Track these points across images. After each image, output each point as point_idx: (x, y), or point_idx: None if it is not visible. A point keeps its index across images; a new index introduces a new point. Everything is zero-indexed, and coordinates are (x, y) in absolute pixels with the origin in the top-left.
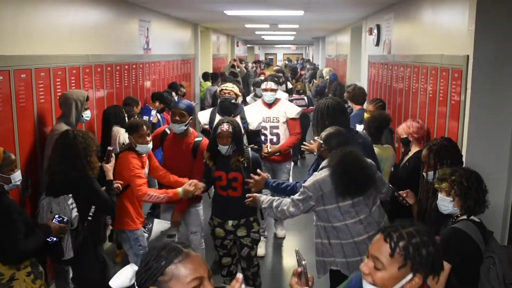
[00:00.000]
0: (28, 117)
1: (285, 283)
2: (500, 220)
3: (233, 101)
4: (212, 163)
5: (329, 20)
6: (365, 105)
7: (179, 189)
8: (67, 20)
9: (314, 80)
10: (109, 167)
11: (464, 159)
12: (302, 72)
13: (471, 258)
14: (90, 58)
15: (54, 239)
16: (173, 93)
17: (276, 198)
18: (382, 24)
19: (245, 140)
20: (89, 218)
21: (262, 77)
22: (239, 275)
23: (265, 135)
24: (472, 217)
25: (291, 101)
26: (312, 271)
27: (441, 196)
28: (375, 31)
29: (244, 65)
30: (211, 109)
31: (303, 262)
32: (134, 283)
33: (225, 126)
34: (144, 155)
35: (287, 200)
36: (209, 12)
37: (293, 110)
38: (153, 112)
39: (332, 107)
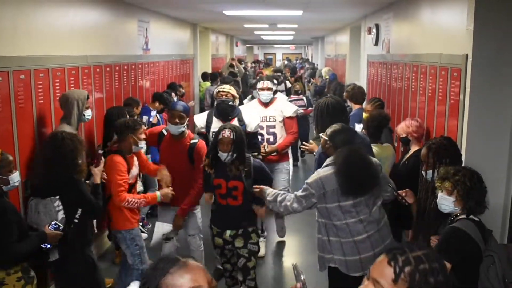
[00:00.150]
0: (27, 118)
1: (285, 284)
2: (499, 219)
3: (230, 103)
4: (212, 170)
5: (328, 20)
6: (364, 105)
7: (157, 193)
8: (66, 21)
9: (312, 79)
10: (97, 171)
11: (463, 158)
12: (301, 71)
13: (471, 257)
14: (89, 59)
15: (48, 246)
16: (172, 94)
17: (282, 192)
18: (381, 23)
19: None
20: (75, 220)
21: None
22: None
23: (262, 135)
24: (471, 216)
25: (289, 102)
26: (313, 270)
27: (442, 195)
28: (374, 30)
29: (243, 65)
30: (207, 112)
31: (302, 277)
32: None
33: (226, 133)
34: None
35: (291, 195)
36: (208, 12)
37: (290, 109)
38: (153, 113)
39: (332, 106)
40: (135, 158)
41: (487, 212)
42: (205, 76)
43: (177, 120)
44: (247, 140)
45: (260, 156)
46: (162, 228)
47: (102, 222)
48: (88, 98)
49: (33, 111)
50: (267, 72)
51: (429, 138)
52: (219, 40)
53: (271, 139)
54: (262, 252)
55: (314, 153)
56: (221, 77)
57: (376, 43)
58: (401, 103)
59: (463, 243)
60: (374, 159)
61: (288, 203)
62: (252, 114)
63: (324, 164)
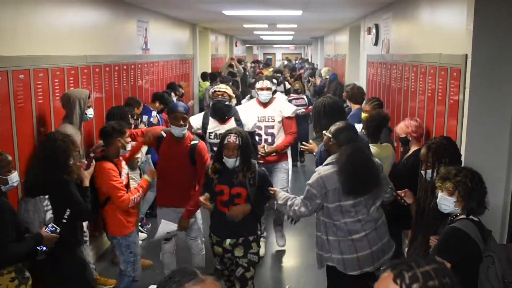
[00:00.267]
0: (26, 117)
1: (284, 284)
2: (499, 219)
3: (226, 102)
4: (216, 176)
5: (327, 20)
6: (362, 105)
7: (145, 176)
8: (66, 20)
9: (311, 78)
10: (87, 174)
11: (462, 158)
12: (301, 71)
13: (471, 257)
14: (89, 59)
15: (44, 248)
16: (172, 94)
17: (292, 196)
18: (380, 23)
19: None
20: (64, 221)
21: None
22: None
23: (260, 135)
24: (471, 216)
25: (289, 101)
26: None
27: (442, 195)
28: (374, 30)
29: (243, 65)
30: (203, 113)
31: None
32: None
33: (232, 138)
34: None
35: (299, 199)
36: (208, 12)
37: (289, 109)
38: (154, 113)
39: (329, 106)
40: (122, 162)
41: (486, 212)
42: (204, 76)
43: (181, 122)
44: None
45: (258, 156)
46: (167, 226)
47: (100, 225)
48: (89, 97)
49: (33, 111)
50: (266, 73)
51: (429, 138)
52: (218, 40)
53: (269, 140)
54: (261, 251)
55: (314, 153)
56: (220, 77)
57: (376, 43)
58: (401, 103)
59: (463, 243)
60: (376, 159)
61: (296, 208)
62: (249, 113)
63: (325, 162)
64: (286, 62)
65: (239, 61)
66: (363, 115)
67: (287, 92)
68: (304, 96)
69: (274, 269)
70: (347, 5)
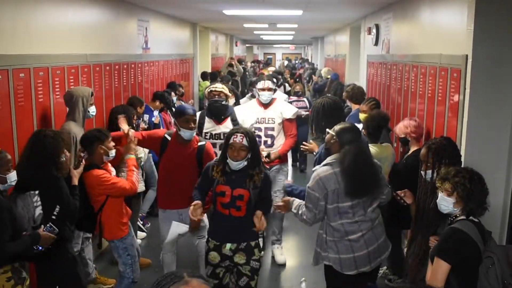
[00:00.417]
0: (26, 116)
1: (285, 283)
2: (499, 220)
3: (223, 102)
4: (223, 178)
5: (328, 20)
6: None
7: (128, 156)
8: (66, 19)
9: (313, 76)
10: (76, 173)
11: (462, 158)
12: (301, 71)
13: (470, 258)
14: (89, 58)
15: (40, 248)
16: (172, 93)
17: (302, 204)
18: (381, 23)
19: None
20: (53, 217)
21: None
22: None
23: (259, 137)
24: (471, 217)
25: (290, 103)
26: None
27: (442, 196)
28: (374, 30)
29: (243, 65)
30: (199, 112)
31: None
32: None
33: (238, 137)
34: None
35: (304, 207)
36: (208, 12)
37: (290, 111)
38: (156, 113)
39: (328, 105)
40: (109, 165)
41: (486, 213)
42: (204, 76)
43: (192, 125)
44: None
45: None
46: (178, 228)
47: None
48: (92, 94)
49: (33, 110)
50: (266, 72)
51: (429, 138)
52: (218, 39)
53: (269, 142)
54: (281, 260)
55: (314, 153)
56: (220, 77)
57: (376, 43)
58: (401, 104)
59: (463, 244)
60: (376, 161)
61: (304, 216)
62: (246, 113)
63: (324, 162)
64: (286, 62)
65: (240, 61)
66: (361, 115)
67: (287, 94)
68: (305, 99)
69: (273, 269)
70: (347, 5)
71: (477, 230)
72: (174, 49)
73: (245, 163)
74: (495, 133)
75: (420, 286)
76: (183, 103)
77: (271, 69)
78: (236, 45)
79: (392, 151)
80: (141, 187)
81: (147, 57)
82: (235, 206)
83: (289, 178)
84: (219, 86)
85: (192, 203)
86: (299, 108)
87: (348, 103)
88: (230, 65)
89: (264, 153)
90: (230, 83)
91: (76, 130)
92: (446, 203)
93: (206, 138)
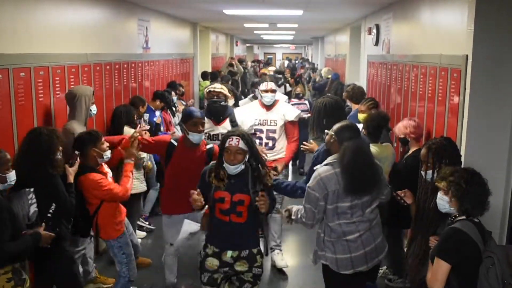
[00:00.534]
0: (27, 115)
1: (285, 283)
2: (499, 220)
3: (222, 103)
4: (222, 183)
5: (328, 20)
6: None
7: (127, 161)
8: (66, 19)
9: (312, 74)
10: (71, 171)
11: (462, 158)
12: (301, 71)
13: (470, 258)
14: (89, 57)
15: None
16: (172, 93)
17: (301, 207)
18: (381, 23)
19: None
20: (49, 215)
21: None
22: None
23: (261, 139)
24: (471, 217)
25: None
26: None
27: (439, 194)
28: (374, 30)
29: (243, 65)
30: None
31: None
32: None
33: (234, 140)
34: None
35: (302, 208)
36: (208, 11)
37: (293, 113)
38: (158, 113)
39: (329, 105)
40: (104, 166)
41: (486, 213)
42: (205, 75)
43: (200, 128)
44: None
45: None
46: (190, 227)
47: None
48: (93, 93)
49: (33, 109)
50: (267, 72)
51: (429, 138)
52: (219, 39)
53: (270, 144)
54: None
55: (314, 153)
56: (221, 76)
57: (376, 44)
58: (401, 104)
59: (463, 244)
60: (376, 161)
61: (304, 219)
62: (246, 113)
63: (324, 162)
64: (286, 62)
65: (240, 60)
66: (360, 115)
67: (287, 95)
68: (306, 101)
69: (273, 269)
70: (347, 5)
71: (477, 230)
72: (175, 49)
73: (243, 166)
74: (495, 133)
75: (420, 286)
76: (183, 102)
77: (271, 68)
78: (237, 45)
79: (392, 151)
80: (142, 187)
81: (148, 57)
82: (235, 212)
83: (289, 179)
84: (218, 87)
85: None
86: (300, 110)
87: (348, 103)
88: (231, 64)
89: (267, 154)
90: (230, 82)
91: (79, 129)
92: (442, 201)
93: (204, 139)
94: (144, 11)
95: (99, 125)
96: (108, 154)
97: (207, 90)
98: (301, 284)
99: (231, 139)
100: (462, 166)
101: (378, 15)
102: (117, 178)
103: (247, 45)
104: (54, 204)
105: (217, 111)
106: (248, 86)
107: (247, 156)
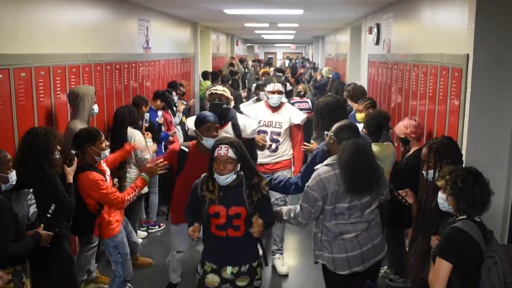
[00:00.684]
0: (28, 115)
1: (285, 283)
2: (500, 219)
3: (224, 106)
4: (215, 196)
5: (328, 19)
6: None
7: (143, 174)
8: (67, 19)
9: (313, 73)
10: (70, 171)
11: (464, 158)
12: (302, 71)
13: (472, 257)
14: (90, 57)
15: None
16: (173, 93)
17: (293, 207)
18: (381, 23)
19: None
20: (48, 215)
21: (264, 78)
22: None
23: (264, 140)
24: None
25: (292, 104)
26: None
27: (440, 193)
28: (375, 30)
29: (244, 64)
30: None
31: None
32: None
33: (222, 149)
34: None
35: (299, 207)
36: (209, 11)
37: (299, 117)
38: (160, 113)
39: (331, 104)
40: (103, 164)
41: (487, 213)
42: (205, 75)
43: (214, 133)
44: None
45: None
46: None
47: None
48: (95, 93)
49: (34, 109)
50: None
51: (430, 138)
52: (219, 39)
53: (273, 146)
54: (261, 251)
55: (313, 152)
56: (222, 76)
57: (377, 43)
58: (402, 103)
59: (464, 243)
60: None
61: (299, 219)
62: (252, 114)
63: (325, 162)
64: (287, 62)
65: (241, 60)
66: (358, 115)
67: (288, 94)
68: (308, 100)
69: (273, 271)
70: (348, 4)
71: (479, 230)
72: (175, 49)
73: (234, 176)
74: (496, 132)
75: (421, 286)
76: (184, 102)
77: (273, 69)
78: (237, 45)
79: (393, 150)
80: (144, 189)
81: (148, 57)
82: (232, 226)
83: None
84: (220, 88)
85: (191, 227)
86: (301, 109)
87: (349, 102)
88: (231, 64)
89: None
90: (230, 82)
91: None
92: (441, 200)
93: None
94: (144, 11)
95: (100, 125)
96: (106, 153)
97: (209, 92)
98: (301, 284)
99: (219, 148)
100: (464, 165)
101: (378, 14)
102: (119, 182)
103: (248, 44)
104: (53, 205)
105: (219, 114)
106: (248, 85)
107: (239, 166)
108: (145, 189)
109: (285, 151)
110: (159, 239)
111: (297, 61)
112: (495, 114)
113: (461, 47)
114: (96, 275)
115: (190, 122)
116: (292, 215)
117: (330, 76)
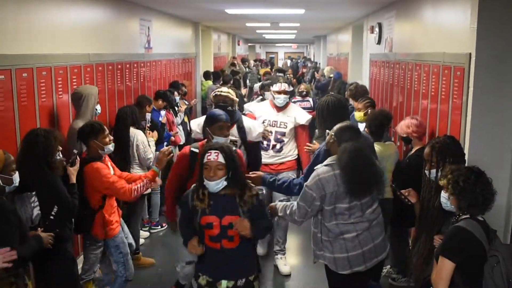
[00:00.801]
0: (29, 116)
1: (286, 283)
2: (503, 218)
3: (229, 108)
4: (206, 204)
5: (330, 19)
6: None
7: (154, 167)
8: (69, 19)
9: (316, 73)
10: (73, 171)
11: (466, 157)
12: (304, 70)
13: (475, 256)
14: (91, 57)
15: None
16: (175, 92)
17: (289, 203)
18: (383, 22)
19: None
20: (51, 217)
21: (267, 78)
22: None
23: (269, 140)
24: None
25: (293, 103)
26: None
27: (443, 192)
28: (377, 29)
29: (246, 64)
30: (204, 116)
31: None
32: None
33: (212, 155)
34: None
35: (295, 204)
36: (210, 11)
37: (304, 117)
38: (163, 113)
39: (332, 104)
40: (107, 160)
41: (490, 212)
42: (207, 75)
43: (226, 132)
44: (247, 151)
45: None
46: None
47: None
48: (98, 93)
49: (36, 110)
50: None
51: (433, 137)
52: (221, 38)
53: (278, 146)
54: (261, 251)
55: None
56: (223, 76)
57: (379, 42)
58: (404, 102)
59: (467, 242)
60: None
61: (295, 216)
62: (257, 113)
63: (324, 163)
64: (289, 62)
65: (243, 60)
66: (356, 113)
67: (290, 94)
68: (310, 99)
69: (274, 271)
70: (349, 4)
71: (482, 229)
72: (176, 49)
73: (225, 183)
74: (499, 131)
75: (424, 285)
76: (186, 102)
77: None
78: (238, 44)
79: (395, 149)
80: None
81: (150, 57)
82: (226, 237)
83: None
84: (224, 90)
85: (189, 242)
86: (303, 109)
87: (351, 101)
88: (233, 64)
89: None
90: (231, 82)
91: None
92: (444, 199)
93: None
94: (145, 11)
95: None
96: (110, 147)
97: (214, 94)
98: (302, 283)
99: (209, 154)
100: (466, 164)
101: (380, 13)
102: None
103: (249, 44)
104: (56, 206)
105: None
106: (250, 85)
107: (230, 172)
108: (149, 189)
109: (290, 151)
110: (161, 239)
111: (298, 60)
112: (497, 113)
113: (464, 46)
114: (98, 276)
115: (194, 124)
116: (288, 212)
117: (332, 75)
